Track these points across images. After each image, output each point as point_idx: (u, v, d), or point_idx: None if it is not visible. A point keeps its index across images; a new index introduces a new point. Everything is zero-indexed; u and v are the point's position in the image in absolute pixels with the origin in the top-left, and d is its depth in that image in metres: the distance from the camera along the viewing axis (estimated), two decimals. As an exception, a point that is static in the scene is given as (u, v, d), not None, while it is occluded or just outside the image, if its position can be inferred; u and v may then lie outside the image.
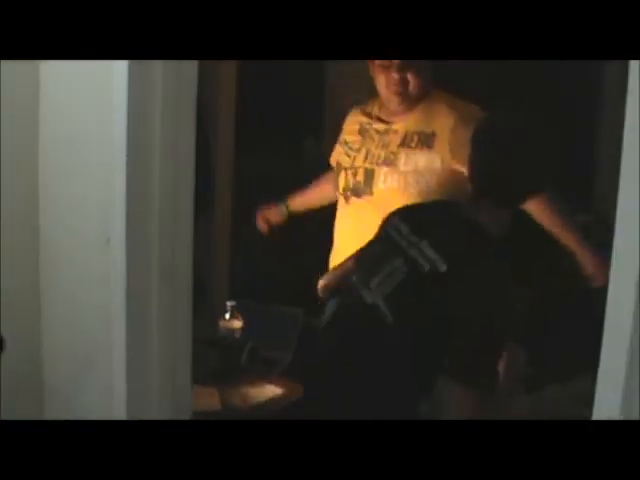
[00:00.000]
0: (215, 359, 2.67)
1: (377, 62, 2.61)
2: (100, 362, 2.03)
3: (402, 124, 2.65)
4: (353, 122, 2.81)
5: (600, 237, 2.37)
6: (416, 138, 2.60)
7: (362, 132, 2.75)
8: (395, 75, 2.58)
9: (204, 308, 2.88)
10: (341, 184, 2.73)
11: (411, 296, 2.12)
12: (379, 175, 2.62)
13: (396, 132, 2.65)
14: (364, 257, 2.33)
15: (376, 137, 2.69)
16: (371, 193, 2.64)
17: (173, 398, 2.04)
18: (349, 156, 2.73)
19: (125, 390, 1.96)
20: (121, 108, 1.89)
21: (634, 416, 1.24)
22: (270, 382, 2.58)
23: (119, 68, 1.86)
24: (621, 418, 1.24)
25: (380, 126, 2.70)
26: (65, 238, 2.11)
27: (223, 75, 3.93)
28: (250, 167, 4.05)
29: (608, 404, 1.26)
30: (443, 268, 2.06)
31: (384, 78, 2.61)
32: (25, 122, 2.07)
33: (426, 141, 2.58)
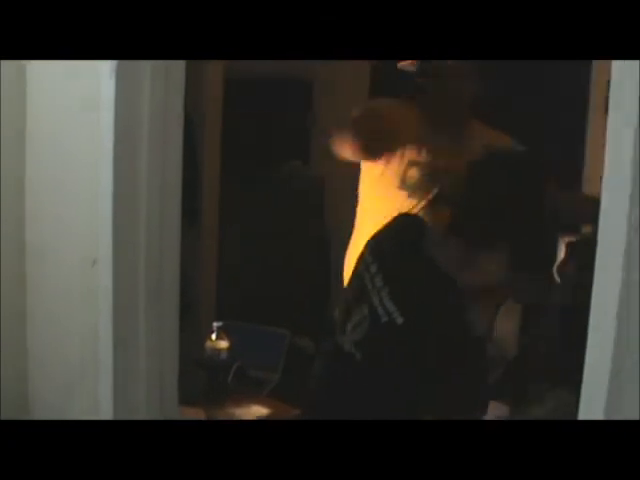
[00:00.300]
0: (202, 379, 2.66)
1: None
2: (87, 381, 2.03)
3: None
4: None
5: (585, 257, 2.37)
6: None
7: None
8: None
9: (191, 328, 2.87)
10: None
11: (375, 346, 2.13)
12: None
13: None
14: (343, 296, 2.32)
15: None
16: None
17: (160, 417, 2.04)
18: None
19: (112, 408, 1.96)
20: (108, 128, 1.90)
21: (618, 416, 1.25)
22: (257, 403, 2.58)
23: (106, 88, 1.88)
24: (605, 418, 1.25)
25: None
26: (52, 257, 2.10)
27: (210, 92, 3.93)
28: (236, 186, 4.06)
29: (592, 405, 1.27)
30: (400, 321, 2.08)
31: None
32: (12, 140, 2.08)
33: None
